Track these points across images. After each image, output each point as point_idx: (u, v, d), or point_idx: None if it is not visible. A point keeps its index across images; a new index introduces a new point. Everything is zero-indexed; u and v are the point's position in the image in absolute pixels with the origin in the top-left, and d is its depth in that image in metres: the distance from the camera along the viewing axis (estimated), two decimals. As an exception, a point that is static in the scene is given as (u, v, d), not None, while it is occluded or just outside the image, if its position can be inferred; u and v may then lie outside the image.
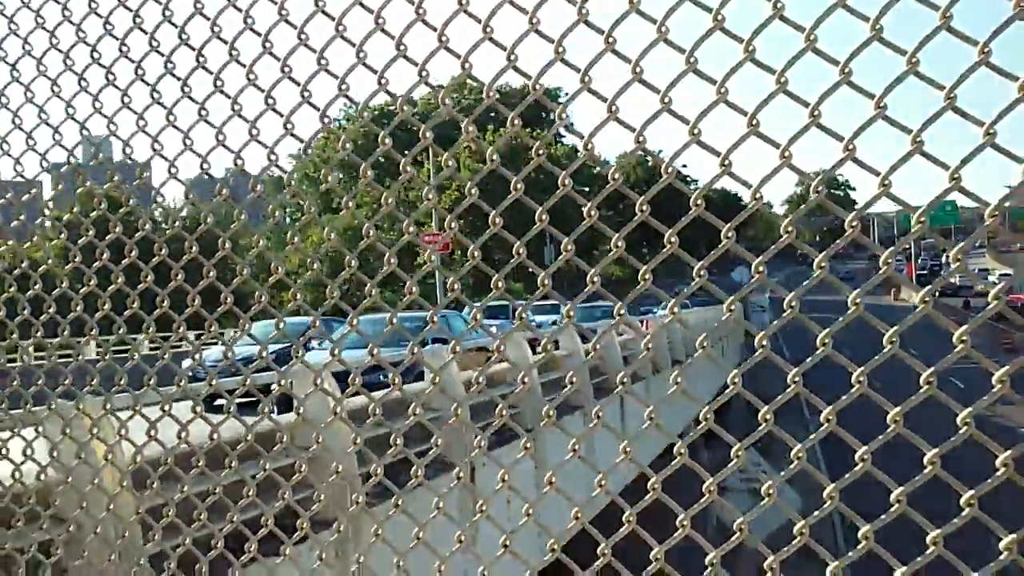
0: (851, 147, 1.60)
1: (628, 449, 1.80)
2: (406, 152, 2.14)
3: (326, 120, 2.24)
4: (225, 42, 2.37)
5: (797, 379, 1.65)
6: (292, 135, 2.28)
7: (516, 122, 1.95)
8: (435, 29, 2.02)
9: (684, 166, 66.14)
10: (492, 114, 2.32)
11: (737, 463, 1.76)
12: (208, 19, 2.41)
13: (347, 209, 2.23)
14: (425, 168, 24.31)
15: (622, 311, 1.83)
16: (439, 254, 35.33)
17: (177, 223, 2.55)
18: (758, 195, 1.70)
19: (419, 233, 2.08)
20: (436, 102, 2.12)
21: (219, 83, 2.39)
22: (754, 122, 1.69)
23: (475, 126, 2.03)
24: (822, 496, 1.67)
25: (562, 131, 62.42)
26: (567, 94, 1.99)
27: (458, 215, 2.16)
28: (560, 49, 1.88)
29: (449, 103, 2.08)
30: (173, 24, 2.50)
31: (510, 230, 1.97)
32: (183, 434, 2.49)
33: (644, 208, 1.80)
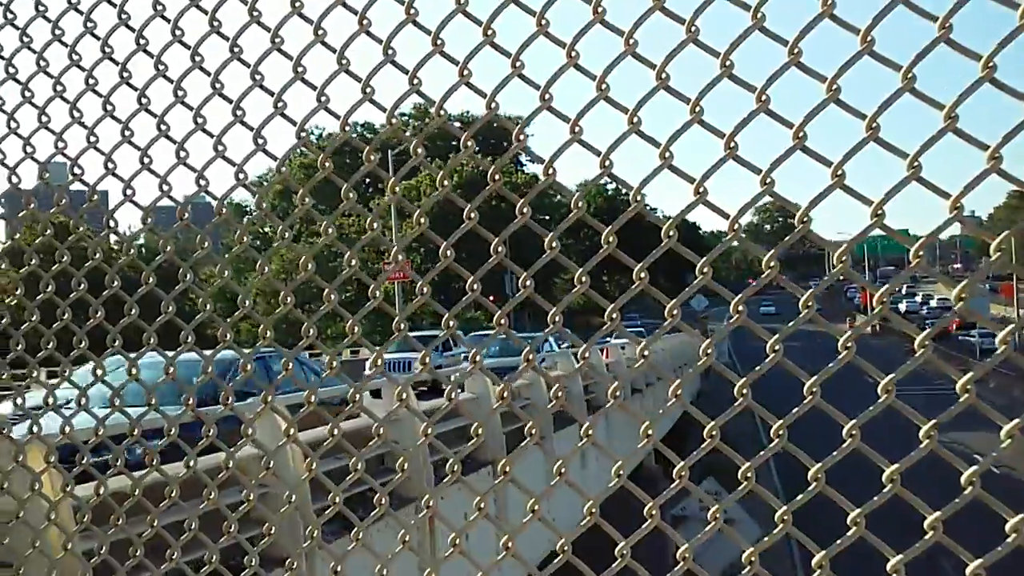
0: (840, 173, 1.44)
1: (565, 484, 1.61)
2: (378, 178, 1.92)
3: (303, 135, 1.96)
4: (188, 47, 2.11)
5: (745, 391, 1.48)
6: (264, 151, 2.01)
7: (469, 144, 1.77)
8: (428, 32, 1.79)
9: (645, 194, 66.32)
10: (453, 142, 2.11)
11: (679, 484, 1.58)
12: (169, 21, 2.14)
13: (327, 235, 1.97)
14: (386, 199, 24.02)
15: (587, 354, 1.65)
16: (400, 283, 34.89)
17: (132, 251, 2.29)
18: (736, 225, 1.53)
19: (383, 263, 1.86)
20: (400, 131, 1.92)
21: (181, 93, 2.13)
22: (732, 145, 1.52)
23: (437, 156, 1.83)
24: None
25: (523, 159, 62.62)
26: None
27: (420, 244, 1.94)
28: (517, 63, 1.70)
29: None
30: (130, 28, 2.22)
31: (472, 258, 1.79)
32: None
33: (611, 240, 1.62)
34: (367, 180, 2.08)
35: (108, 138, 2.30)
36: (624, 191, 1.67)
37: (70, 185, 2.37)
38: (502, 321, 1.73)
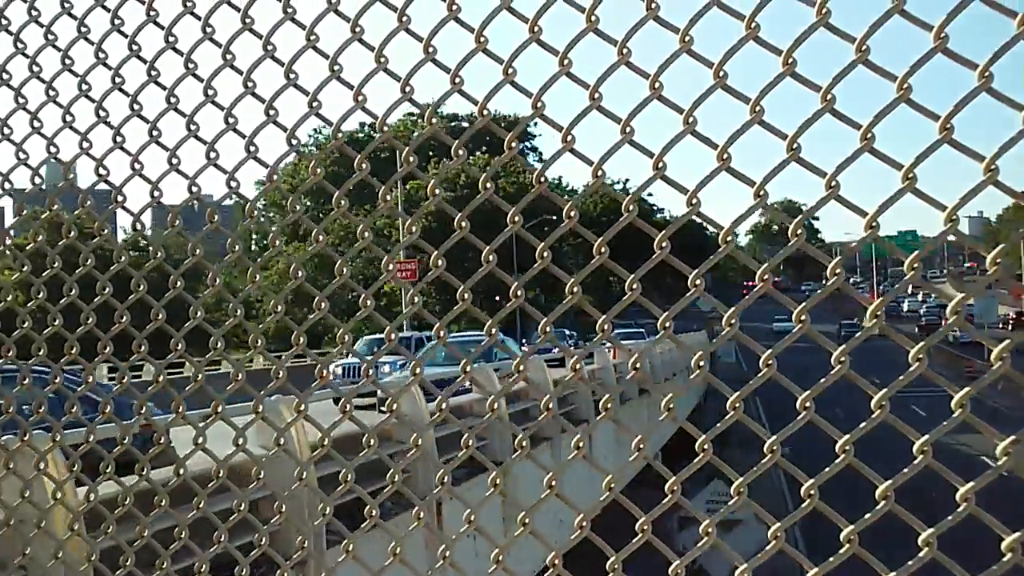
0: (834, 184, 1.42)
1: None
2: (379, 179, 1.89)
3: (295, 143, 1.94)
4: (181, 53, 2.09)
5: (738, 404, 1.46)
6: (255, 159, 2.00)
7: (461, 152, 1.75)
8: (420, 39, 1.78)
9: (650, 194, 66.37)
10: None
11: (672, 499, 1.58)
12: (163, 28, 2.13)
13: (316, 243, 1.93)
14: (394, 195, 23.96)
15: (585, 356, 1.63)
16: (408, 282, 34.69)
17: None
18: (730, 237, 1.51)
19: (391, 263, 1.84)
20: (406, 131, 1.90)
21: (174, 100, 2.12)
22: (725, 156, 1.50)
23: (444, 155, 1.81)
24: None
25: (531, 159, 62.47)
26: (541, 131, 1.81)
27: (429, 241, 1.90)
28: (510, 71, 1.68)
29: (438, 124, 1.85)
30: (123, 34, 2.21)
31: (475, 259, 1.77)
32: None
33: (603, 251, 1.60)
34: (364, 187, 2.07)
35: (100, 143, 2.30)
36: (620, 190, 1.66)
37: (65, 187, 2.36)
38: (493, 331, 1.72)
